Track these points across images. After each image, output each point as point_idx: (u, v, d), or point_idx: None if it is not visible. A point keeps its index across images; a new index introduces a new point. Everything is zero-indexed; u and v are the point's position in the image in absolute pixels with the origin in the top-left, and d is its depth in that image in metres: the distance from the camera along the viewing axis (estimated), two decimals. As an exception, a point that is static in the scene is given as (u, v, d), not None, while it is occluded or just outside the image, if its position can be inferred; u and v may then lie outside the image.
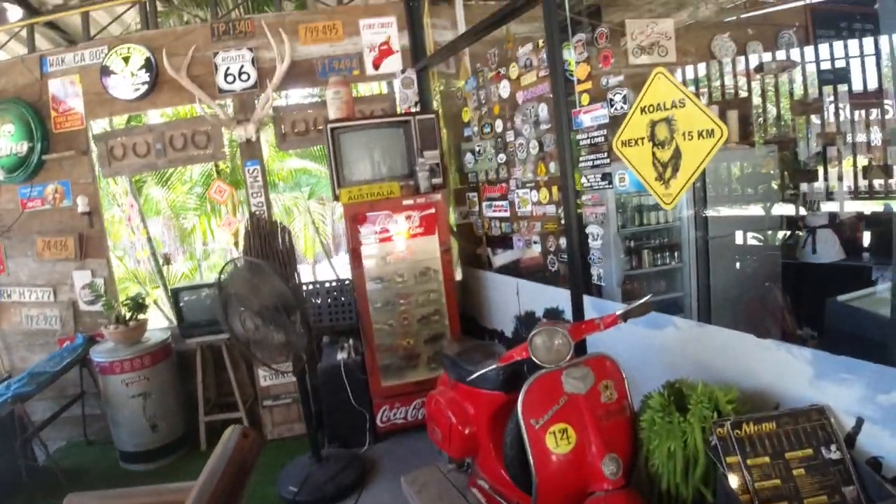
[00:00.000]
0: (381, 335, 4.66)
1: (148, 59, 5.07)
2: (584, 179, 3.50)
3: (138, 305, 4.88)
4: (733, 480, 2.13)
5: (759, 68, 5.89)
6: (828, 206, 5.14)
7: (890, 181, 5.31)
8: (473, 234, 5.29)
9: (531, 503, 2.43)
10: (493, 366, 2.74)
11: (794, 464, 2.15)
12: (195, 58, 5.13)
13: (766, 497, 2.09)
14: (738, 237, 5.00)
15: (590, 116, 3.34)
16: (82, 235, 5.24)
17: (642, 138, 2.82)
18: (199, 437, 4.95)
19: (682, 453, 2.29)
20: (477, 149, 4.95)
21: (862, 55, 5.35)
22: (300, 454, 4.32)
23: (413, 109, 5.18)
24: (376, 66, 5.34)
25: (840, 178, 5.30)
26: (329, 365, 4.52)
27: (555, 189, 3.98)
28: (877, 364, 2.10)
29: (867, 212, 5.28)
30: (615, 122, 3.11)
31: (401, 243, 4.70)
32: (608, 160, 3.32)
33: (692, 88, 5.82)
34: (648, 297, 2.56)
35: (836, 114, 5.45)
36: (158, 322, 5.83)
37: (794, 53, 5.78)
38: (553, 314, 3.97)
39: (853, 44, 5.44)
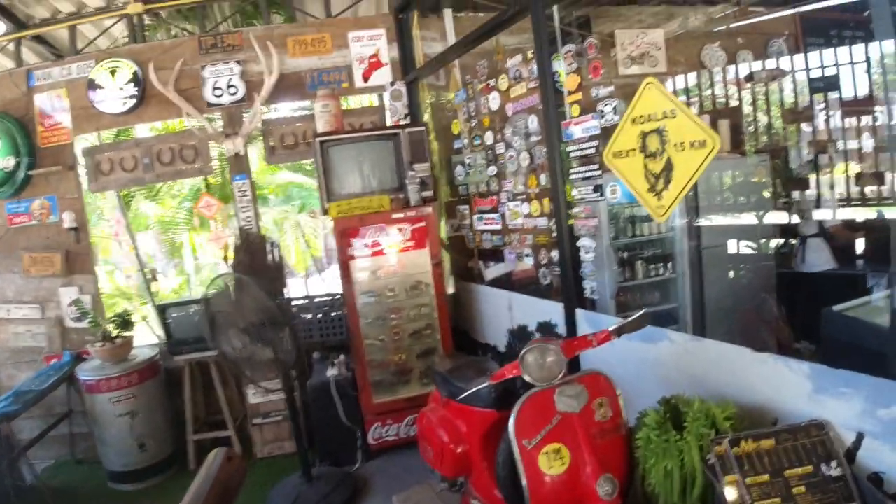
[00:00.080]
0: (372, 350, 4.59)
1: (135, 73, 5.03)
2: (575, 191, 3.47)
3: (125, 322, 4.81)
4: (732, 500, 2.07)
5: (750, 77, 5.90)
6: (820, 214, 5.13)
7: (882, 188, 5.30)
8: (465, 247, 5.24)
9: (526, 525, 2.36)
10: (485, 384, 2.68)
11: (794, 481, 2.10)
12: (183, 71, 5.11)
13: (766, 517, 2.04)
14: (732, 246, 4.98)
15: (580, 128, 3.31)
16: (69, 251, 5.17)
17: (633, 149, 2.78)
18: (188, 457, 4.87)
19: (679, 473, 2.24)
20: (467, 161, 4.92)
21: (852, 63, 5.36)
22: (290, 473, 4.24)
23: (403, 122, 5.14)
24: (366, 79, 5.31)
25: (832, 188, 5.30)
26: (319, 381, 4.44)
27: (546, 201, 3.93)
28: (876, 377, 2.05)
29: (860, 219, 5.26)
30: (606, 133, 3.09)
31: (391, 257, 4.64)
32: (599, 172, 3.29)
33: (683, 98, 5.82)
34: (643, 311, 2.50)
35: (827, 121, 5.45)
36: (147, 339, 5.74)
37: (785, 62, 5.79)
38: (546, 328, 3.91)
39: (843, 51, 5.45)
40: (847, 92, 5.40)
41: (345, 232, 4.44)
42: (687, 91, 6.08)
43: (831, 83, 5.46)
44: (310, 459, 4.20)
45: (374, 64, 5.32)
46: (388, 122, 5.20)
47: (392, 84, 5.25)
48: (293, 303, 4.82)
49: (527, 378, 2.39)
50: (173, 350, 4.91)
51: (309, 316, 4.73)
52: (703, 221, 4.60)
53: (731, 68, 5.91)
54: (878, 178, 5.27)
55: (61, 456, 5.20)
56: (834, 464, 2.10)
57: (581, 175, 3.41)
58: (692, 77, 6.07)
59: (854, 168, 5.54)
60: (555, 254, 3.85)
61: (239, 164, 5.16)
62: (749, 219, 5.06)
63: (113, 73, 5.05)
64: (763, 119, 6.15)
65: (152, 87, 5.02)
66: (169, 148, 5.20)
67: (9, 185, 5.08)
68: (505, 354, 4.52)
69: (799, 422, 2.22)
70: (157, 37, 6.56)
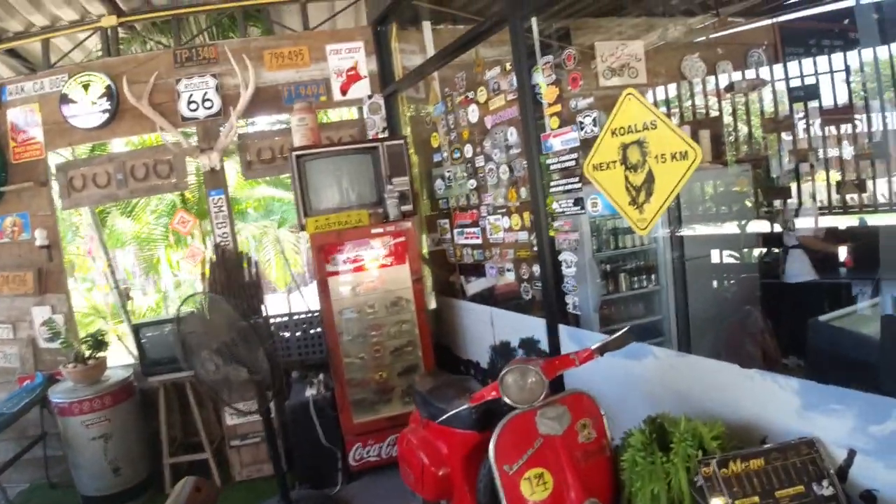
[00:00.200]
0: (352, 369, 4.50)
1: (108, 87, 4.96)
2: (556, 204, 3.41)
3: (98, 343, 4.68)
4: (721, 524, 2.00)
5: (730, 87, 5.91)
6: (801, 222, 5.11)
7: (864, 195, 5.31)
8: (446, 262, 5.17)
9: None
10: (464, 406, 2.59)
11: (785, 502, 2.03)
12: (157, 85, 5.03)
13: (757, 540, 1.97)
14: (715, 257, 4.95)
15: (560, 140, 3.26)
16: (41, 270, 5.05)
17: (614, 161, 2.73)
18: (164, 480, 4.72)
19: (666, 496, 2.17)
20: (447, 174, 4.86)
21: (831, 71, 5.37)
22: (269, 496, 4.13)
23: (381, 135, 5.08)
24: (344, 92, 5.26)
25: (814, 198, 5.29)
26: (298, 402, 4.34)
27: (527, 215, 3.87)
28: (868, 393, 2.00)
29: (842, 227, 5.25)
30: (586, 145, 3.03)
31: (371, 273, 4.57)
32: (580, 185, 3.23)
33: (664, 109, 5.82)
34: (627, 328, 2.43)
35: (808, 130, 5.46)
36: (124, 359, 5.61)
37: (764, 72, 5.81)
38: (529, 344, 3.84)
39: (822, 60, 5.47)
40: (827, 101, 5.42)
41: (322, 248, 4.35)
42: (668, 102, 6.08)
43: (811, 92, 5.48)
44: (289, 482, 4.10)
45: (353, 77, 5.27)
46: (368, 136, 5.13)
47: (370, 97, 5.19)
48: (271, 320, 4.71)
49: (507, 400, 2.31)
50: (147, 371, 4.78)
51: (287, 334, 4.63)
52: (685, 232, 4.57)
53: (712, 79, 5.92)
54: (860, 186, 5.28)
55: (35, 479, 5.05)
56: (825, 483, 2.04)
57: (561, 188, 3.35)
58: (672, 88, 6.07)
59: (835, 176, 5.55)
60: (536, 268, 3.78)
61: (215, 179, 5.07)
62: (732, 228, 5.04)
63: (86, 87, 4.97)
64: (744, 129, 6.16)
65: (126, 101, 4.95)
66: (143, 163, 5.11)
67: (-20, 202, 4.95)
68: (487, 371, 4.45)
69: (789, 440, 2.16)
70: (132, 50, 6.48)
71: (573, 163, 3.23)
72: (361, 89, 5.26)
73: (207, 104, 5.05)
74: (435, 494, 3.06)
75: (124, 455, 4.55)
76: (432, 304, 5.31)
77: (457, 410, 2.66)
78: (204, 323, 3.40)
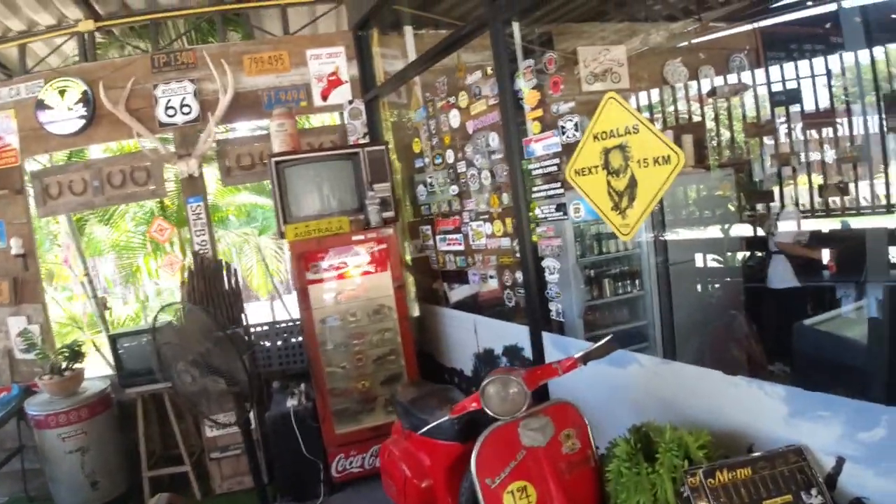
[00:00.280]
0: (334, 378, 4.44)
1: (85, 93, 4.89)
2: (538, 210, 3.37)
3: (74, 354, 4.60)
4: (708, 536, 1.96)
5: (712, 92, 5.93)
6: (784, 226, 5.12)
7: (846, 198, 5.34)
8: (429, 269, 5.13)
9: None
10: (445, 417, 2.53)
11: (774, 512, 1.99)
12: (135, 90, 4.96)
13: (744, 552, 1.94)
14: (699, 261, 4.94)
15: (542, 145, 3.23)
16: (17, 279, 4.94)
17: (596, 166, 2.69)
18: (144, 494, 4.62)
19: (652, 507, 2.12)
20: (429, 180, 4.81)
21: (812, 76, 5.40)
22: (249, 510, 4.05)
23: (362, 141, 5.03)
24: (325, 97, 5.20)
25: (796, 204, 5.31)
26: (278, 413, 4.25)
27: (509, 221, 3.84)
28: (856, 399, 1.99)
29: (825, 229, 5.27)
30: (568, 150, 3.00)
31: (352, 280, 4.52)
32: (562, 190, 3.20)
33: (647, 114, 5.82)
34: (609, 337, 2.39)
35: (790, 134, 5.49)
36: (103, 370, 5.51)
37: (746, 76, 5.83)
38: (513, 352, 3.80)
39: (803, 65, 5.50)
40: (808, 105, 5.45)
41: (302, 255, 4.30)
42: (650, 107, 6.09)
43: (792, 96, 5.51)
44: (270, 495, 4.03)
45: (334, 82, 5.21)
46: (349, 142, 5.08)
47: (351, 102, 5.14)
48: (251, 329, 4.62)
49: (488, 412, 2.26)
50: (125, 382, 4.68)
51: (268, 343, 4.54)
52: (669, 236, 4.56)
53: (694, 84, 5.94)
54: (842, 190, 5.30)
55: (14, 493, 4.93)
56: (814, 491, 2.01)
57: (544, 193, 3.32)
58: (655, 93, 6.08)
59: (817, 180, 5.58)
60: (519, 275, 3.74)
61: (193, 185, 4.99)
62: (715, 233, 5.04)
63: (62, 92, 4.89)
64: (726, 133, 6.18)
65: (102, 106, 4.87)
66: (120, 170, 5.02)
67: (-45, 210, 4.86)
68: (471, 379, 4.40)
69: (776, 448, 2.13)
70: (110, 55, 6.39)
71: (555, 168, 3.20)
72: (342, 94, 5.21)
73: (186, 110, 4.97)
74: (417, 507, 3.00)
75: (102, 468, 4.48)
76: (415, 312, 5.26)
77: (439, 422, 2.60)
78: (179, 333, 3.32)
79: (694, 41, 5.93)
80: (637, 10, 5.65)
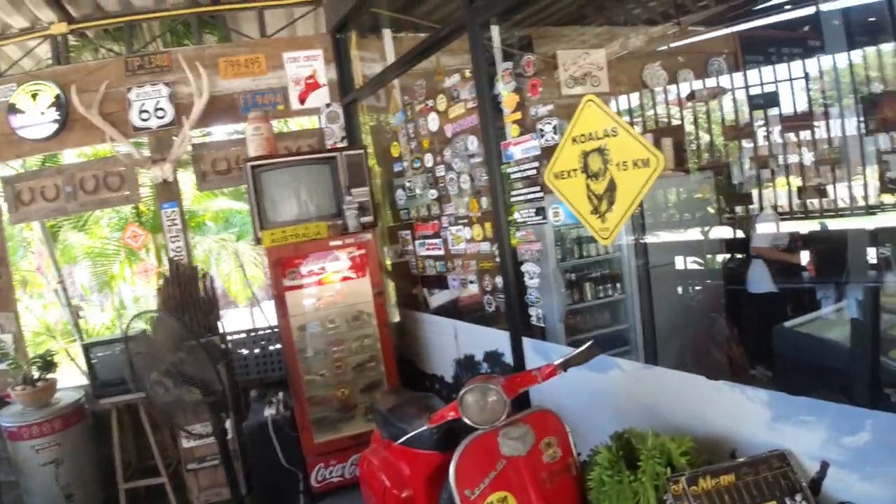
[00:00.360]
0: (313, 386, 4.36)
1: (58, 96, 4.80)
2: (517, 214, 3.34)
3: (47, 364, 4.49)
4: (692, 545, 1.93)
5: (691, 96, 5.96)
6: (762, 228, 5.13)
7: (824, 200, 5.37)
8: (409, 274, 5.09)
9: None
10: (424, 427, 2.47)
11: (758, 519, 1.97)
12: (108, 94, 4.87)
13: (728, 560, 1.91)
14: (680, 264, 4.93)
15: (520, 148, 3.20)
16: (-12, 287, 4.81)
17: (575, 170, 2.67)
18: (120, 506, 4.53)
19: (634, 517, 2.08)
20: (408, 184, 4.77)
21: (790, 79, 5.44)
22: (228, 522, 3.97)
23: (340, 145, 4.97)
24: (302, 101, 5.15)
25: (775, 208, 5.33)
26: (256, 422, 4.17)
27: (488, 225, 3.80)
28: (840, 404, 1.97)
29: (804, 231, 5.28)
30: (547, 153, 2.96)
31: (331, 287, 4.45)
32: (541, 194, 3.17)
33: (627, 118, 5.83)
34: (590, 343, 2.35)
35: (768, 137, 5.52)
36: (78, 379, 5.38)
37: (725, 80, 5.87)
38: (493, 357, 3.76)
39: (782, 68, 5.54)
40: (787, 108, 5.49)
41: (279, 261, 4.22)
42: (630, 111, 6.10)
43: (771, 99, 5.54)
44: (247, 507, 3.93)
45: (311, 85, 5.16)
46: (326, 146, 5.02)
47: (329, 106, 5.08)
48: (228, 337, 4.54)
49: (467, 421, 2.21)
50: (99, 393, 4.56)
51: (246, 351, 4.46)
52: (649, 239, 4.55)
53: (673, 87, 5.97)
54: (820, 192, 5.34)
55: (-11, 505, 4.82)
56: (799, 497, 1.99)
57: (523, 197, 3.29)
58: (635, 97, 6.10)
59: (795, 182, 5.61)
60: (499, 279, 3.71)
61: (168, 191, 4.90)
62: (695, 235, 5.05)
63: (34, 96, 4.80)
64: (705, 136, 6.21)
65: (75, 110, 4.78)
66: (93, 175, 4.94)
67: (-76, 217, 4.75)
68: (452, 385, 4.36)
69: (760, 453, 2.11)
70: (83, 58, 6.27)
71: (534, 171, 3.17)
72: (320, 98, 5.15)
73: (160, 113, 4.89)
74: (398, 518, 2.94)
75: (76, 480, 4.39)
76: (396, 318, 5.20)
77: (417, 431, 2.55)
78: (150, 343, 3.23)
79: (673, 45, 5.96)
80: (617, 13, 5.67)
